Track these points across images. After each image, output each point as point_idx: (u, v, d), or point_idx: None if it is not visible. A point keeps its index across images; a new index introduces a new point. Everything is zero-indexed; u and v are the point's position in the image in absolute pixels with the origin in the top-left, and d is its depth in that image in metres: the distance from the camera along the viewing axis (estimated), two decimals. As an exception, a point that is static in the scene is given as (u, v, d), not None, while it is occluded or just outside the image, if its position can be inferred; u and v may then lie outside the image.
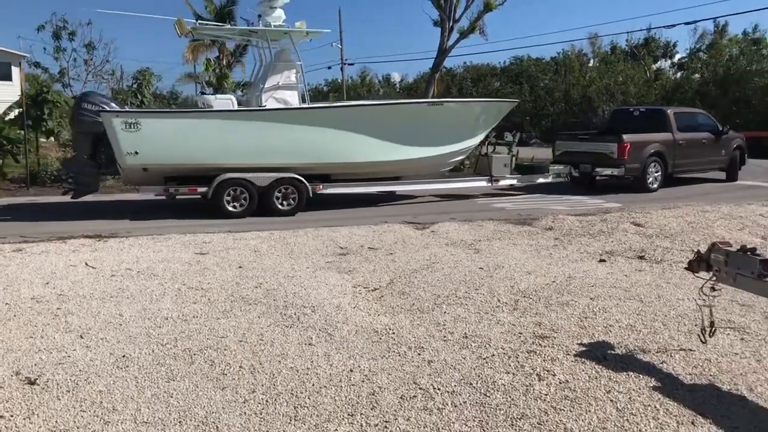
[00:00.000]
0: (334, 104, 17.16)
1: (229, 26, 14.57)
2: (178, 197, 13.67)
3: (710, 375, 4.66)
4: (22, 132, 19.59)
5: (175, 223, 12.17)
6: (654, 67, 47.37)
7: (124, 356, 5.16)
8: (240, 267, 8.28)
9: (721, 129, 18.22)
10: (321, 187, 13.83)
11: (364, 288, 7.26)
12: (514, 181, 16.17)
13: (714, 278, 4.73)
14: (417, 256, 8.83)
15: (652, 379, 4.59)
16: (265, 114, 13.42)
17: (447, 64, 40.81)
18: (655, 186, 16.51)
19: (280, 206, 13.34)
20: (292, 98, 14.02)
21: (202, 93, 16.11)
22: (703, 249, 4.93)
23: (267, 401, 4.34)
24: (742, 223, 10.85)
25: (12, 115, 21.27)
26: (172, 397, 4.40)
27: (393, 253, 9.12)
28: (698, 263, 4.89)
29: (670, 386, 4.48)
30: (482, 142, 16.20)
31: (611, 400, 4.28)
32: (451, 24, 28.08)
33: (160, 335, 5.66)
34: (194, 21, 13.86)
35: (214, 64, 27.63)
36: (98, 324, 5.97)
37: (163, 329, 5.83)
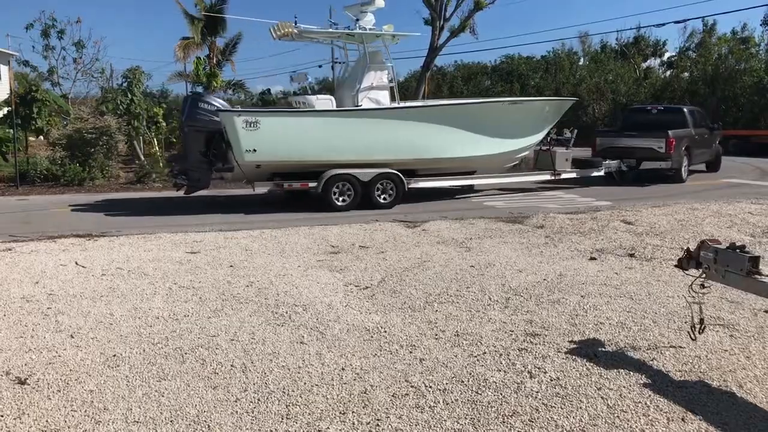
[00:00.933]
0: (428, 103, 17.82)
1: (330, 30, 15.14)
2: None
3: (700, 372, 4.69)
4: (11, 131, 19.47)
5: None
6: (644, 65, 47.56)
7: (114, 356, 5.14)
8: (231, 266, 8.27)
9: (713, 125, 19.99)
10: (412, 182, 14.49)
11: (356, 286, 7.26)
12: (573, 174, 17.07)
13: (704, 276, 4.76)
14: (408, 255, 8.84)
15: (643, 376, 4.62)
16: (368, 113, 14.19)
17: (438, 63, 40.82)
18: (685, 177, 18.01)
19: (380, 200, 14.02)
20: (384, 98, 14.76)
21: (296, 93, 16.55)
22: (692, 247, 4.96)
23: (259, 400, 4.33)
24: (731, 221, 10.91)
25: (1, 114, 21.15)
26: (163, 396, 4.39)
27: (384, 251, 9.12)
28: (688, 261, 4.92)
29: (660, 383, 4.50)
30: (544, 138, 16.94)
31: (602, 397, 4.30)
32: (441, 23, 28.11)
33: (151, 334, 5.65)
34: (293, 23, 14.38)
35: (204, 63, 27.55)
36: (89, 323, 5.94)
37: (154, 328, 5.81)
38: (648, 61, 48.96)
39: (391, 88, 14.88)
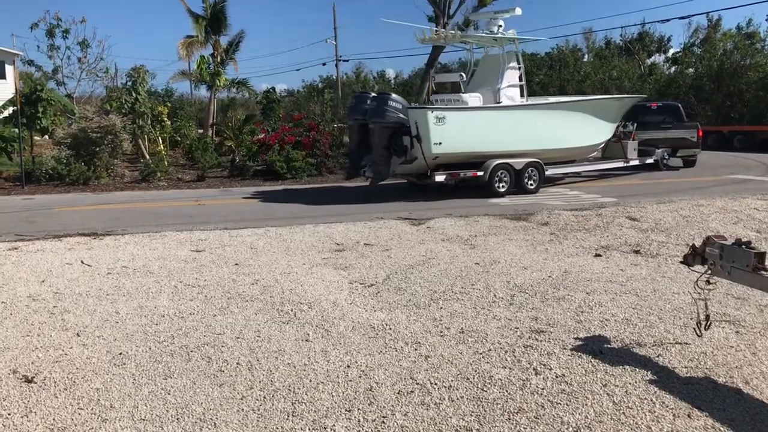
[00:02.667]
0: (561, 99, 20.04)
1: (479, 33, 17.10)
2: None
3: (706, 368, 4.68)
4: (17, 130, 19.52)
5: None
6: (648, 61, 47.49)
7: (120, 354, 5.16)
8: (236, 264, 8.28)
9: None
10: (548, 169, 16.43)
11: (361, 284, 7.27)
12: (637, 161, 19.41)
13: (709, 272, 4.75)
14: (413, 252, 8.84)
15: (648, 373, 4.61)
16: (525, 108, 16.45)
17: (442, 60, 40.75)
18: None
19: (528, 185, 15.73)
20: (517, 95, 16.46)
21: (452, 90, 17.50)
22: (698, 243, 4.95)
23: (264, 397, 4.34)
24: (737, 217, 10.88)
25: (6, 114, 21.20)
26: (169, 394, 4.41)
27: (389, 249, 9.13)
28: (693, 257, 4.90)
29: (666, 379, 4.49)
30: (616, 130, 19.14)
31: (608, 394, 4.29)
32: (445, 20, 28.11)
33: (157, 332, 5.66)
34: (438, 28, 17.16)
35: (208, 61, 27.57)
36: (95, 322, 5.96)
37: (160, 326, 5.83)
38: (652, 57, 48.89)
39: (521, 86, 16.53)
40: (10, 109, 20.70)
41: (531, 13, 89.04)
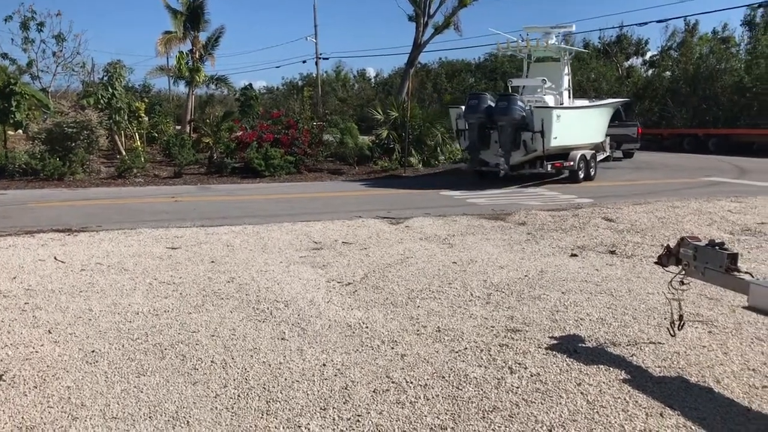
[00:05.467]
0: (603, 102, 22.40)
1: (554, 44, 19.62)
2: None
3: (679, 367, 4.73)
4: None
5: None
6: (626, 64, 47.85)
7: (93, 351, 5.08)
8: (212, 262, 8.22)
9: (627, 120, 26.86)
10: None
11: (338, 282, 7.24)
12: (608, 153, 21.86)
13: (683, 272, 4.79)
14: (391, 251, 8.84)
15: (622, 372, 4.64)
16: (595, 108, 20.44)
17: (422, 60, 40.89)
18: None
19: (591, 173, 18.83)
20: (567, 98, 19.61)
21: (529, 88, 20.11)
22: (672, 244, 4.99)
23: (239, 396, 4.30)
24: (711, 219, 11.02)
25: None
26: (142, 392, 4.35)
27: (367, 247, 9.11)
28: (668, 258, 4.95)
29: (639, 379, 4.53)
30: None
31: (582, 393, 4.31)
32: (425, 19, 28.16)
33: (131, 330, 5.59)
34: (510, 39, 19.94)
35: (187, 57, 27.35)
36: (67, 319, 5.88)
37: (134, 324, 5.76)
38: (630, 59, 49.27)
39: (569, 90, 19.89)
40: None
41: (512, 16, 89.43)
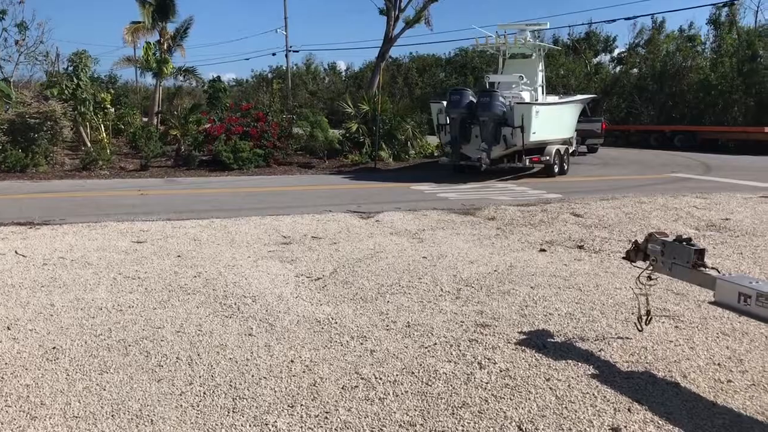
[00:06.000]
0: (576, 98, 22.90)
1: (530, 43, 20.13)
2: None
3: (646, 362, 4.76)
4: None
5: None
6: (594, 61, 48.29)
7: (54, 348, 4.95)
8: (179, 256, 8.08)
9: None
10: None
11: (307, 277, 7.17)
12: (575, 147, 22.30)
13: (651, 268, 4.82)
14: (361, 246, 8.78)
15: (591, 367, 4.65)
16: (568, 104, 20.98)
17: (393, 54, 40.83)
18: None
19: (564, 167, 19.36)
20: (541, 93, 19.99)
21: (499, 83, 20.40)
22: (640, 239, 5.02)
23: (204, 393, 4.22)
24: (677, 215, 11.16)
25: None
26: (104, 390, 4.25)
27: (337, 242, 9.05)
28: (636, 253, 4.97)
29: (607, 374, 4.55)
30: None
31: (551, 388, 4.32)
32: (396, 13, 28.09)
33: (94, 326, 5.46)
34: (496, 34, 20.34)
35: (155, 48, 26.93)
36: (27, 314, 5.72)
37: (97, 320, 5.63)
38: (599, 56, 49.74)
39: (542, 86, 20.14)
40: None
41: (483, 12, 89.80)
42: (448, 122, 18.24)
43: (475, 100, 17.74)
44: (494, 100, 17.21)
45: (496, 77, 20.34)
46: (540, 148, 18.29)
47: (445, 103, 18.47)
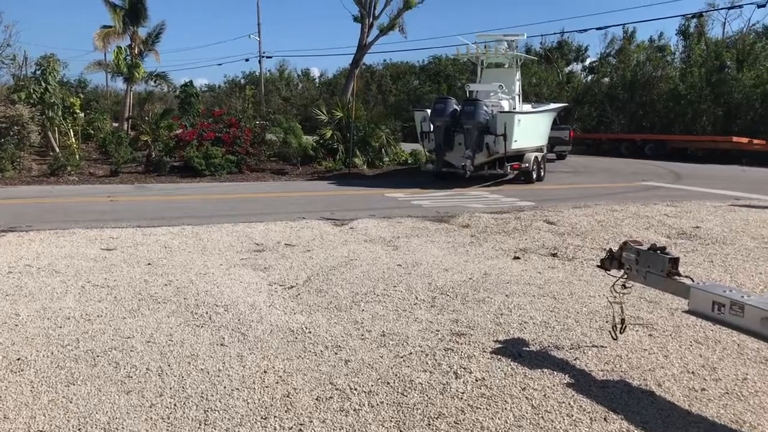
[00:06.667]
0: (550, 107, 23.39)
1: (508, 53, 20.63)
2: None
3: (621, 371, 4.76)
4: None
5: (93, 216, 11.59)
6: (566, 70, 48.85)
7: (18, 359, 4.81)
8: (149, 264, 7.94)
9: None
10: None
11: (280, 286, 7.08)
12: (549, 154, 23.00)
13: (625, 276, 4.83)
14: (335, 253, 8.71)
15: (566, 376, 4.64)
16: (544, 112, 21.52)
17: (367, 61, 40.86)
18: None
19: (541, 173, 19.99)
20: (518, 102, 20.38)
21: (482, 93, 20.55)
22: (613, 247, 5.03)
23: (175, 405, 4.12)
24: (648, 223, 11.26)
25: None
26: (71, 402, 4.12)
27: (311, 249, 8.97)
28: (610, 261, 4.97)
29: (583, 383, 4.53)
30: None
31: (527, 398, 4.29)
32: (371, 20, 28.12)
33: (61, 336, 5.32)
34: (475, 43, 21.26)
35: (125, 53, 26.62)
36: (-9, 325, 5.56)
37: (64, 329, 5.48)
38: (570, 65, 50.33)
39: (519, 95, 20.56)
40: None
41: (456, 20, 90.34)
42: (432, 130, 18.53)
43: (459, 109, 18.21)
44: (478, 109, 17.68)
45: (475, 86, 20.65)
46: (519, 155, 18.77)
47: (429, 111, 18.78)
